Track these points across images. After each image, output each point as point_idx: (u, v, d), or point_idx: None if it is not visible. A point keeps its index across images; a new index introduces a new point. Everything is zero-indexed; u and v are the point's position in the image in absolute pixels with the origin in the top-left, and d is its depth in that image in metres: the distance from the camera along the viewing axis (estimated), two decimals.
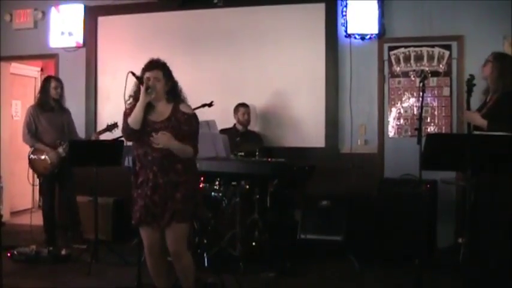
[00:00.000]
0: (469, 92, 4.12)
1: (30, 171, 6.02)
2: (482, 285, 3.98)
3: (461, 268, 4.35)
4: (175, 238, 3.73)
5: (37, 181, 6.30)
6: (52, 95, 6.03)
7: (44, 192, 6.03)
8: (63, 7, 7.31)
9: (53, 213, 6.02)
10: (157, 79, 3.75)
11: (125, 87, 3.75)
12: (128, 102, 3.86)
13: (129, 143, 5.19)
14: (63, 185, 6.07)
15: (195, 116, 3.85)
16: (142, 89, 3.68)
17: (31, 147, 6.02)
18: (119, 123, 5.62)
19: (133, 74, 3.76)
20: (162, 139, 3.60)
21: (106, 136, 6.05)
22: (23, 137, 6.08)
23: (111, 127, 5.90)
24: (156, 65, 3.80)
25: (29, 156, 6.00)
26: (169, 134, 3.62)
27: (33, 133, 5.97)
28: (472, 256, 3.91)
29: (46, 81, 6.13)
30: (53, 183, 5.99)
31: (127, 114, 3.79)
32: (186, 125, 3.72)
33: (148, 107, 3.75)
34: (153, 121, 3.74)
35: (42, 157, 5.89)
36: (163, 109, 3.79)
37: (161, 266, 3.89)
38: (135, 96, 3.82)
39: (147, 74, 3.77)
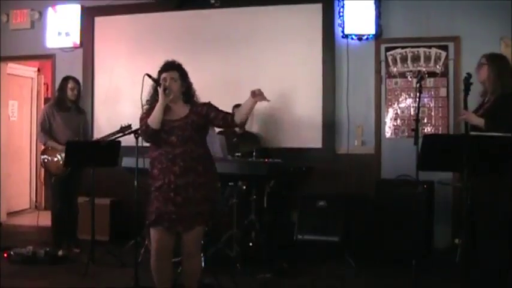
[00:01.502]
0: (466, 90, 4.11)
1: (38, 171, 5.96)
2: (480, 285, 3.99)
3: (460, 268, 4.34)
4: (193, 240, 3.78)
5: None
6: (68, 95, 6.01)
7: (56, 193, 5.97)
8: (59, 7, 7.30)
9: (64, 215, 5.95)
10: (173, 79, 3.80)
11: (142, 89, 3.76)
12: (145, 107, 3.86)
13: (126, 144, 5.28)
14: (71, 186, 6.00)
15: (211, 103, 3.95)
16: (160, 90, 3.71)
17: (44, 145, 6.01)
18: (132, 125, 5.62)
19: (150, 76, 3.79)
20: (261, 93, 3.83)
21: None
22: (36, 135, 6.09)
23: (124, 129, 5.78)
24: (172, 66, 3.86)
25: (41, 155, 5.99)
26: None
27: (46, 131, 5.94)
28: (470, 256, 3.91)
29: (64, 81, 6.08)
30: (64, 183, 5.91)
31: (143, 118, 3.80)
32: (212, 108, 3.85)
33: (165, 109, 3.78)
34: (170, 120, 3.77)
35: (55, 158, 5.87)
36: (181, 109, 3.83)
37: (167, 267, 3.87)
38: (152, 101, 3.84)
39: (163, 75, 3.81)
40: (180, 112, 3.82)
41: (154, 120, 3.71)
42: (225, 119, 3.82)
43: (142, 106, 3.83)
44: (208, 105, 3.88)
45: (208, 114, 3.81)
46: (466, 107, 4.11)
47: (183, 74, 3.86)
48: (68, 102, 6.02)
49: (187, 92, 3.88)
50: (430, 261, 5.22)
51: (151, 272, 3.85)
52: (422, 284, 4.24)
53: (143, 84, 3.75)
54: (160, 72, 3.83)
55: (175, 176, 3.68)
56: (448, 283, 4.45)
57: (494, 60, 4.18)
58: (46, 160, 5.92)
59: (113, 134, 5.70)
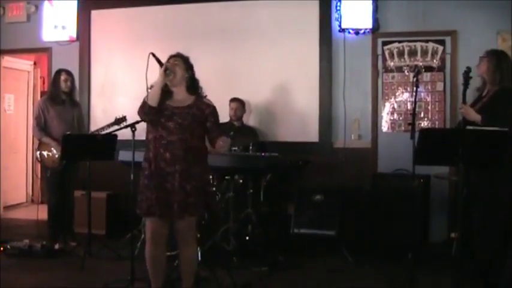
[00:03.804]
0: (466, 84, 4.12)
1: (34, 164, 5.93)
2: (475, 278, 4.01)
3: (454, 262, 4.36)
4: (186, 229, 3.82)
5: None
6: (62, 87, 5.97)
7: (51, 187, 5.95)
8: (56, 1, 7.27)
9: (60, 209, 5.92)
10: (176, 63, 3.87)
11: (147, 68, 3.73)
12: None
13: (123, 137, 5.27)
14: (66, 180, 5.96)
15: (216, 109, 3.97)
16: (161, 69, 3.77)
17: (39, 140, 5.99)
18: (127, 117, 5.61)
19: (154, 55, 3.82)
20: (226, 143, 3.84)
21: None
22: (32, 130, 6.08)
23: (119, 121, 5.76)
24: (177, 54, 3.97)
25: (36, 150, 5.97)
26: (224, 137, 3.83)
27: (41, 126, 5.91)
28: (465, 249, 3.93)
29: (56, 74, 6.04)
30: (60, 177, 5.88)
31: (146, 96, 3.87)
32: (213, 116, 3.88)
33: (167, 94, 3.86)
34: (172, 106, 3.83)
35: (51, 152, 5.85)
36: (184, 97, 3.88)
37: (161, 256, 3.91)
38: None
39: (169, 61, 3.89)
40: (182, 100, 3.87)
41: (152, 96, 3.77)
42: (211, 139, 3.90)
43: (147, 84, 3.83)
44: (212, 111, 3.90)
45: (206, 119, 3.86)
46: (464, 101, 4.13)
47: (187, 63, 3.93)
48: (61, 94, 5.98)
49: (191, 81, 3.92)
50: (426, 255, 5.23)
51: (146, 260, 3.89)
52: (417, 276, 4.25)
53: (148, 64, 3.74)
54: (167, 61, 3.90)
55: (166, 163, 3.73)
56: (444, 276, 4.47)
57: (493, 54, 4.22)
58: (41, 155, 5.90)
59: (108, 126, 5.71)
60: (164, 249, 3.93)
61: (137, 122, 4.42)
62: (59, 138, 5.71)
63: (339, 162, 6.28)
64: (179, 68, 3.86)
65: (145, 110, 3.80)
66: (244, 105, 6.38)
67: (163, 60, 3.88)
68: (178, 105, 3.84)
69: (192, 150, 3.78)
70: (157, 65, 3.86)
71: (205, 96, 4.00)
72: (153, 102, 3.76)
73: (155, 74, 3.85)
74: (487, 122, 3.88)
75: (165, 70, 3.77)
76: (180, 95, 3.88)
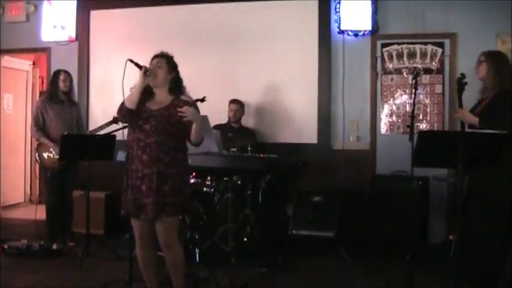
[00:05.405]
0: (460, 90, 4.11)
1: (33, 164, 5.89)
2: (474, 278, 4.01)
3: (452, 263, 4.37)
4: (165, 230, 3.77)
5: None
6: (61, 87, 5.96)
7: (49, 187, 5.93)
8: (55, 1, 7.27)
9: (59, 208, 5.91)
10: (159, 65, 3.83)
11: (123, 75, 3.73)
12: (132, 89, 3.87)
13: (122, 138, 5.26)
14: (65, 179, 5.97)
15: (195, 105, 3.87)
16: (141, 72, 3.73)
17: (37, 140, 5.98)
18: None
19: (132, 60, 3.79)
20: (190, 111, 3.63)
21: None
22: (30, 130, 6.08)
23: (117, 119, 5.74)
24: (161, 55, 3.92)
25: (36, 151, 5.96)
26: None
27: (40, 126, 5.89)
28: (463, 250, 3.93)
29: (55, 74, 6.04)
30: (59, 177, 5.87)
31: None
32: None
33: (149, 95, 3.82)
34: (150, 108, 3.79)
35: (51, 154, 5.83)
36: (164, 98, 3.83)
37: (151, 257, 3.92)
38: None
39: (152, 62, 3.86)
40: (162, 101, 3.82)
41: (131, 99, 3.73)
42: (188, 133, 3.78)
43: (123, 91, 3.80)
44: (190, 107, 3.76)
45: (183, 115, 3.71)
46: (461, 106, 4.12)
47: (170, 63, 3.88)
48: (60, 94, 5.98)
49: (174, 82, 3.88)
50: (425, 256, 5.23)
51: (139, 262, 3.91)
52: (415, 277, 4.26)
53: (125, 70, 3.73)
54: (150, 61, 3.88)
55: (143, 165, 3.70)
56: (443, 277, 4.48)
57: (492, 56, 4.19)
58: (41, 156, 5.89)
59: (106, 124, 5.70)
60: (151, 250, 3.92)
61: (123, 128, 4.40)
62: (57, 138, 5.69)
63: (337, 164, 6.29)
64: (161, 70, 3.81)
65: (122, 112, 3.79)
66: (243, 107, 6.39)
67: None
68: (156, 107, 3.79)
69: (170, 151, 3.73)
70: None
71: (190, 99, 3.89)
72: (131, 105, 3.73)
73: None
74: (485, 124, 3.88)
75: (145, 72, 3.73)
76: (162, 96, 3.84)
